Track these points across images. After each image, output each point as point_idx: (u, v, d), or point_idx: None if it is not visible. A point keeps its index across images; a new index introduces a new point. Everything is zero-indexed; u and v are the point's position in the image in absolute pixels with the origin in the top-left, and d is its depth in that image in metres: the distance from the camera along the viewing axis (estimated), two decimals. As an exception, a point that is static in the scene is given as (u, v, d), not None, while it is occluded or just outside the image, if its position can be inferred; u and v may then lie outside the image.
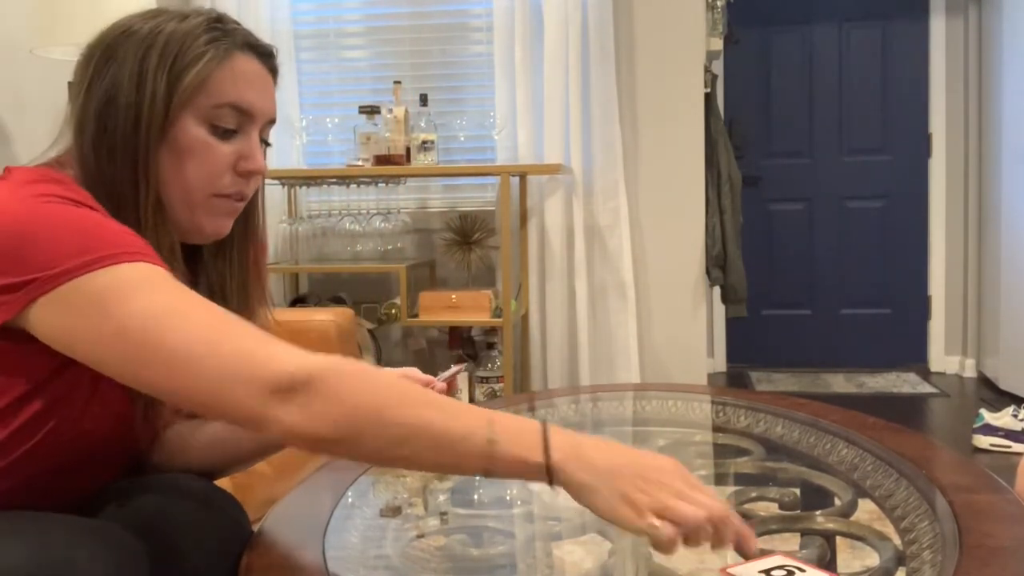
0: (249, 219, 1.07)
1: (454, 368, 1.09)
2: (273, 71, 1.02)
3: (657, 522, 0.75)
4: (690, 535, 0.76)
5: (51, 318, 0.81)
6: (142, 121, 0.91)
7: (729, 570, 0.82)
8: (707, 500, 0.77)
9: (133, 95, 0.91)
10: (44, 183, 0.85)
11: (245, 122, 0.97)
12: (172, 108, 0.91)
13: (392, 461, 0.83)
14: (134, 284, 0.81)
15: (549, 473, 0.78)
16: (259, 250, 1.10)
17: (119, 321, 0.79)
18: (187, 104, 0.92)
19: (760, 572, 0.81)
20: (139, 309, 0.80)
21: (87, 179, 0.91)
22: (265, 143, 1.03)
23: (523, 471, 0.79)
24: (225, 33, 0.95)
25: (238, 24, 0.99)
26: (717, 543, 0.77)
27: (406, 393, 0.81)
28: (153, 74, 0.91)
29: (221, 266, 1.06)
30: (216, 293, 1.05)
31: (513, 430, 0.79)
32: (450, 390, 1.08)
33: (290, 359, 0.79)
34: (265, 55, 1.00)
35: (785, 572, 0.80)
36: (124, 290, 0.80)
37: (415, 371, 1.09)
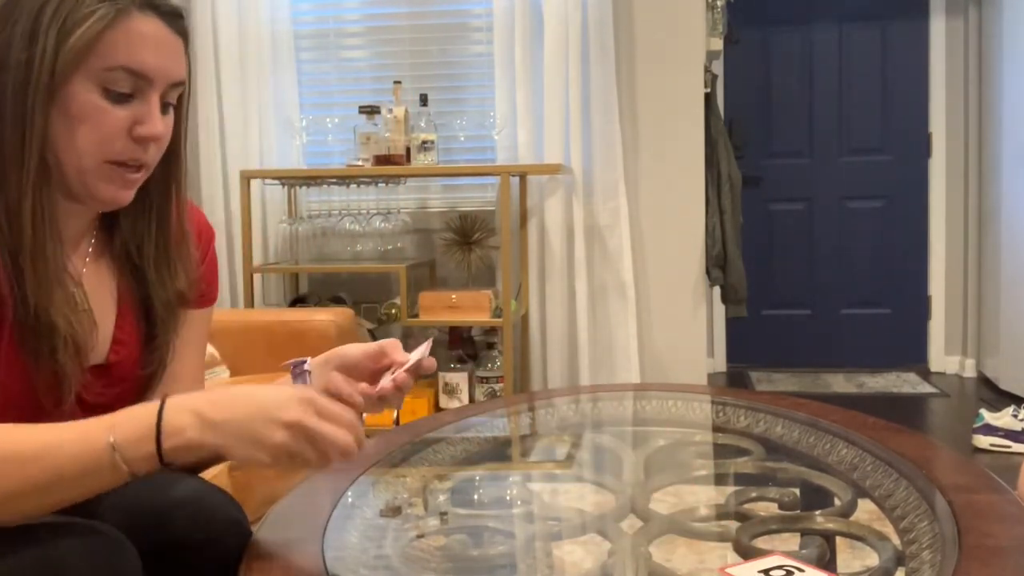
0: (170, 181, 1.02)
1: (421, 348, 1.05)
2: (181, 32, 0.96)
3: (291, 467, 0.84)
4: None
5: None
6: (31, 82, 0.87)
7: (728, 570, 0.82)
8: (332, 434, 0.83)
9: (24, 54, 0.87)
10: None
11: (143, 85, 0.91)
12: (59, 68, 0.88)
13: (46, 512, 0.83)
14: None
15: (162, 457, 0.81)
16: (187, 220, 1.06)
17: None
18: (77, 65, 0.88)
19: (759, 572, 0.81)
20: None
21: None
22: (171, 107, 0.97)
23: (154, 461, 0.81)
24: None
25: None
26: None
27: (13, 456, 0.79)
28: (44, 33, 0.87)
29: (139, 228, 1.02)
30: (131, 254, 1.03)
31: (129, 427, 0.81)
32: (419, 371, 1.05)
33: None
34: (168, 14, 0.94)
35: (784, 572, 0.80)
36: None
37: (394, 345, 1.05)
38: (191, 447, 0.82)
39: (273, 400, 0.83)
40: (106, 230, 1.03)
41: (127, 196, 0.96)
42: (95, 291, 0.99)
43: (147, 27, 0.91)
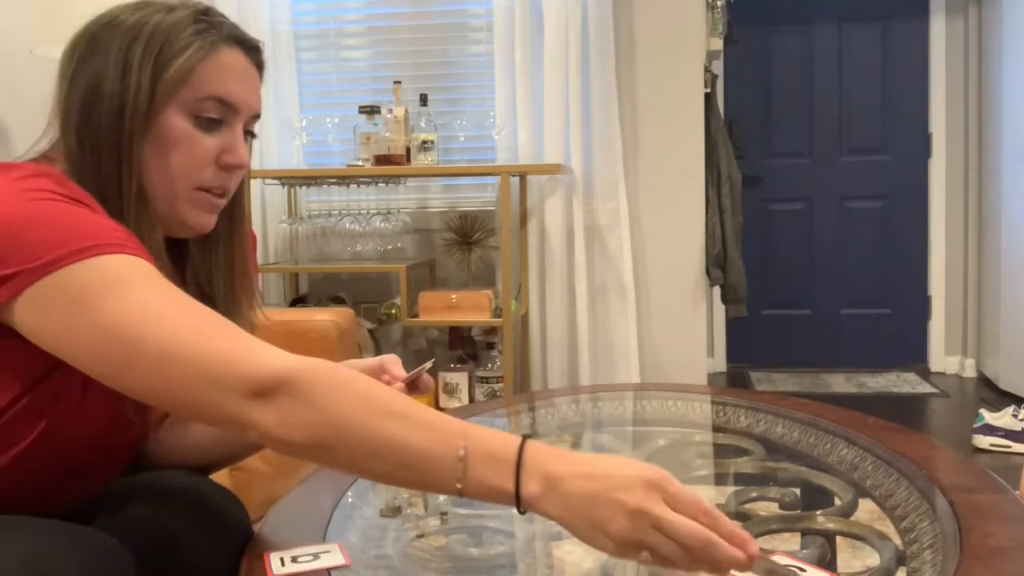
0: (235, 215, 1.06)
1: (420, 368, 1.07)
2: (259, 66, 1.02)
3: (647, 557, 0.72)
4: (680, 565, 0.72)
5: (35, 314, 0.80)
6: (126, 112, 0.90)
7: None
8: (685, 526, 0.71)
9: (117, 85, 0.90)
10: (33, 178, 0.85)
11: (229, 115, 0.96)
12: (156, 99, 0.91)
13: (364, 474, 0.81)
14: (114, 279, 0.80)
15: (519, 505, 0.76)
16: (247, 246, 1.09)
17: (98, 320, 0.79)
18: (171, 96, 0.92)
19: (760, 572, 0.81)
20: (118, 308, 0.79)
21: (73, 170, 0.91)
22: (250, 135, 1.02)
23: (494, 498, 0.76)
24: (211, 26, 0.95)
25: (224, 17, 0.98)
26: (712, 570, 0.72)
27: (384, 403, 0.78)
28: (138, 65, 0.90)
29: (208, 260, 1.05)
30: (202, 287, 1.05)
31: (486, 453, 0.76)
32: (415, 388, 1.06)
33: (269, 360, 0.78)
34: (251, 49, 1.00)
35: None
36: (104, 286, 0.79)
37: (394, 360, 1.07)
38: (534, 507, 0.75)
39: (619, 478, 0.74)
40: (178, 263, 1.05)
41: (212, 221, 0.99)
42: None
43: (234, 60, 0.97)
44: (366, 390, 0.79)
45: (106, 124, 0.90)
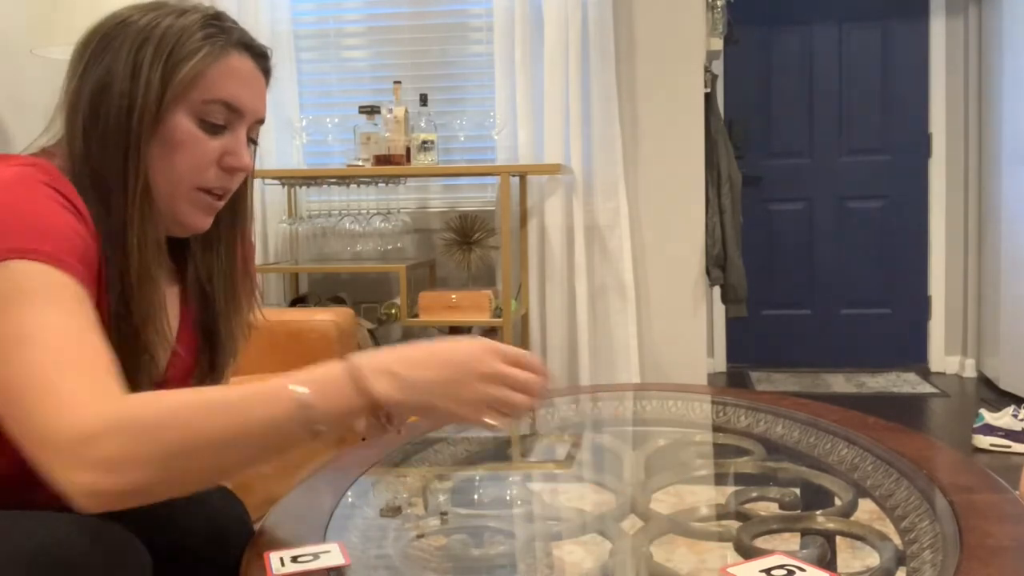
0: (237, 216, 1.07)
1: None
2: (266, 72, 1.03)
3: (493, 418, 0.84)
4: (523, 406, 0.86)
5: None
6: (135, 111, 0.91)
7: (729, 569, 0.82)
8: (525, 377, 0.86)
9: (127, 85, 0.91)
10: (18, 168, 0.86)
11: (234, 119, 0.98)
12: (165, 101, 0.92)
13: (224, 472, 0.81)
14: (18, 291, 0.79)
15: (376, 409, 0.80)
16: (248, 248, 1.10)
17: None
18: (180, 98, 0.93)
19: (761, 572, 0.81)
20: (6, 319, 0.78)
21: (74, 166, 0.91)
22: (253, 142, 1.04)
23: (353, 415, 0.80)
24: (222, 30, 0.96)
25: (235, 23, 0.99)
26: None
27: (203, 404, 0.77)
28: (148, 66, 0.91)
29: (208, 260, 1.06)
30: (203, 286, 1.06)
31: (321, 385, 0.80)
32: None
33: (85, 416, 0.74)
34: (259, 55, 1.01)
35: (785, 572, 0.80)
36: (6, 295, 0.78)
37: None
38: (392, 405, 0.81)
39: (464, 354, 0.85)
40: (180, 261, 1.06)
41: (208, 222, 1.00)
42: (169, 312, 1.01)
43: (243, 65, 0.98)
44: (182, 401, 0.78)
45: (114, 122, 0.91)
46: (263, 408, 0.78)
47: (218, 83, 0.95)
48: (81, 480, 0.72)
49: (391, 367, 0.82)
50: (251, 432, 0.77)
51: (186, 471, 0.77)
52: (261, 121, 1.03)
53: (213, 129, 0.96)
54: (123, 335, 0.91)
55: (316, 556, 0.90)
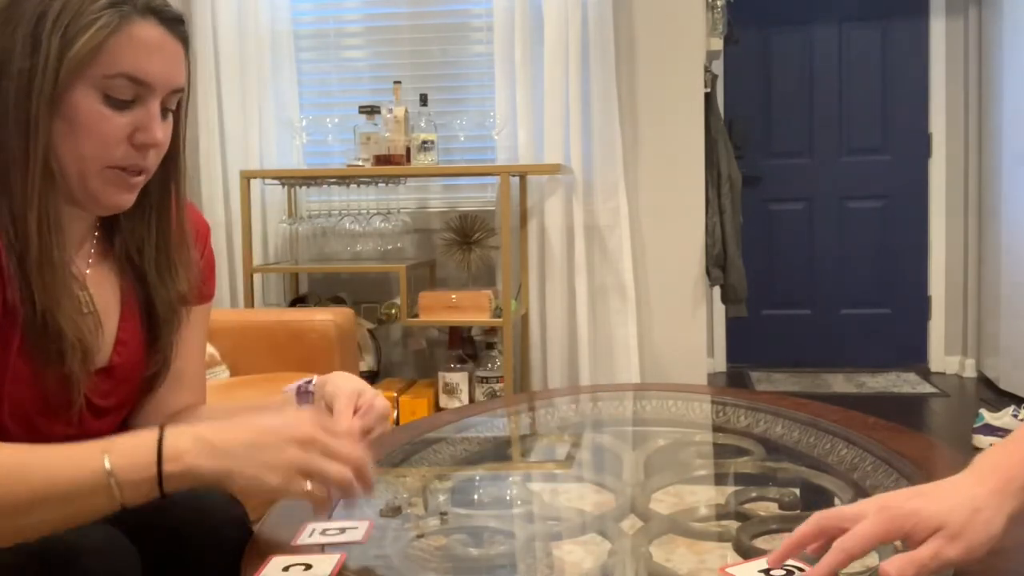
0: (168, 183, 1.02)
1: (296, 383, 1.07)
2: (182, 38, 0.96)
3: (307, 484, 0.79)
4: (343, 491, 0.82)
5: None
6: (33, 88, 0.87)
7: (728, 570, 0.82)
8: (348, 451, 0.81)
9: (26, 61, 0.87)
10: None
11: (143, 92, 0.92)
12: (62, 76, 0.87)
13: (20, 535, 0.79)
14: None
15: (162, 483, 0.78)
16: (187, 221, 1.06)
17: None
18: (79, 72, 0.88)
19: (760, 572, 0.81)
20: None
21: None
22: (170, 112, 0.98)
23: (150, 487, 0.78)
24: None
25: None
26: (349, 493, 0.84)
27: (12, 465, 0.77)
28: (47, 40, 0.87)
29: (138, 231, 1.02)
30: (132, 256, 1.03)
31: (128, 451, 0.78)
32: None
33: None
34: (170, 20, 0.94)
35: (784, 572, 0.80)
36: None
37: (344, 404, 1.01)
38: (191, 473, 0.80)
39: (281, 422, 0.82)
40: (106, 232, 1.03)
41: (129, 200, 0.96)
42: (99, 293, 0.99)
43: (149, 33, 0.91)
44: None
45: (13, 101, 0.87)
46: (66, 472, 0.77)
47: (119, 55, 0.89)
48: None
49: (202, 432, 0.80)
50: (51, 497, 0.76)
51: None
52: (179, 90, 0.96)
53: (120, 105, 0.90)
54: (33, 324, 0.89)
55: (342, 531, 0.93)
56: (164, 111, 0.95)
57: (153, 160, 0.96)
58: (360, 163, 3.06)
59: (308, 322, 2.49)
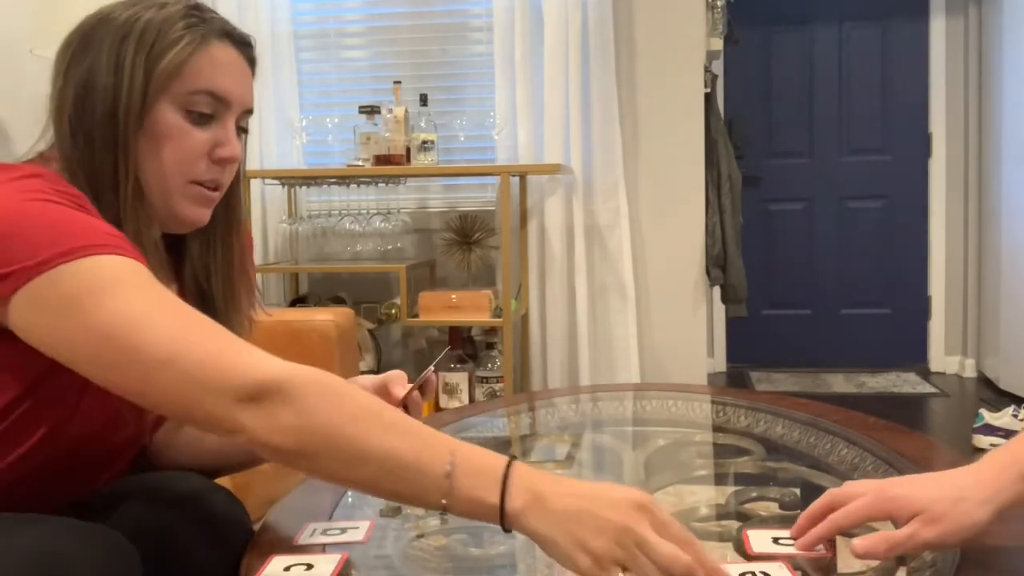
0: (231, 212, 1.06)
1: (422, 376, 1.07)
2: (251, 61, 1.01)
3: (621, 574, 0.73)
4: None
5: (29, 315, 0.80)
6: (120, 107, 0.90)
7: (747, 531, 0.89)
8: (670, 551, 0.72)
9: (111, 81, 0.90)
10: (27, 179, 0.85)
11: (221, 109, 0.96)
12: (149, 94, 0.91)
13: (350, 483, 0.81)
14: (107, 281, 0.80)
15: (503, 520, 0.76)
16: (244, 243, 1.09)
17: (90, 321, 0.79)
18: (163, 90, 0.92)
19: (772, 538, 0.87)
20: (109, 310, 0.79)
21: (68, 167, 0.91)
22: (242, 131, 1.02)
23: (479, 513, 0.76)
24: (202, 20, 0.95)
25: (215, 12, 0.99)
26: None
27: (373, 414, 0.78)
28: (131, 60, 0.91)
29: (206, 257, 1.05)
30: (201, 284, 1.05)
31: (474, 468, 0.77)
32: (424, 392, 1.06)
33: (259, 365, 0.78)
34: (242, 44, 0.99)
35: (791, 541, 0.86)
36: (97, 287, 0.79)
37: (399, 376, 1.06)
38: (516, 525, 0.76)
39: (607, 498, 0.75)
40: (176, 259, 1.05)
41: (206, 215, 0.99)
42: None
43: (225, 54, 0.96)
44: (355, 399, 0.79)
45: (100, 120, 0.91)
46: (419, 451, 0.77)
47: (201, 73, 0.94)
48: (251, 427, 0.77)
49: (541, 488, 0.76)
50: (395, 465, 0.77)
51: (328, 461, 0.78)
52: (249, 111, 1.01)
53: (200, 120, 0.95)
54: None
55: (343, 530, 0.94)
56: (237, 130, 1.00)
57: (228, 176, 1.00)
58: (360, 163, 3.06)
59: (308, 322, 2.49)
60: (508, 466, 0.77)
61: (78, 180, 0.90)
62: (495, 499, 0.75)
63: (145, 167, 0.93)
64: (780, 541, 0.86)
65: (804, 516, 0.86)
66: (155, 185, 0.94)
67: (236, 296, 1.07)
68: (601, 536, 0.73)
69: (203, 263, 1.05)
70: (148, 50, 0.91)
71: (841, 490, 0.84)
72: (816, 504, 0.85)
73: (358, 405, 0.79)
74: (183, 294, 1.05)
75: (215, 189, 0.99)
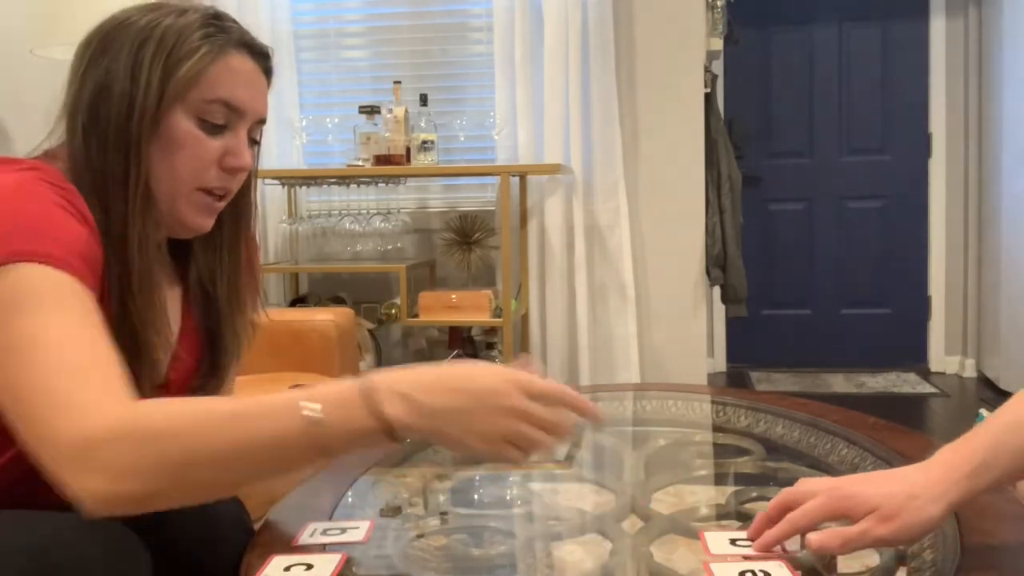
0: (239, 217, 1.07)
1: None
2: (267, 72, 1.02)
3: (512, 451, 0.80)
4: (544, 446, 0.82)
5: None
6: (135, 112, 0.91)
7: (705, 534, 0.89)
8: (550, 416, 0.80)
9: (127, 85, 0.91)
10: (20, 172, 0.86)
11: (234, 119, 0.97)
12: (165, 100, 0.92)
13: (231, 485, 0.81)
14: (25, 294, 0.78)
15: (391, 435, 0.77)
16: (251, 247, 1.10)
17: None
18: (179, 97, 0.93)
19: (729, 540, 0.86)
20: (13, 325, 0.77)
21: (76, 169, 0.91)
22: (255, 142, 1.03)
23: (366, 440, 0.78)
24: (221, 30, 0.96)
25: (235, 22, 0.99)
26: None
27: (210, 417, 0.76)
28: (148, 66, 0.91)
29: (211, 261, 1.06)
30: (206, 287, 1.05)
31: (334, 404, 0.77)
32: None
33: (92, 422, 0.73)
34: (260, 55, 1.00)
35: (749, 543, 0.85)
36: (12, 298, 0.78)
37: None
38: (403, 429, 0.78)
39: (486, 385, 0.80)
40: (182, 262, 1.06)
41: (209, 223, 1.00)
42: (171, 314, 1.01)
43: (243, 64, 0.97)
44: (187, 410, 0.77)
45: (115, 123, 0.91)
46: (272, 423, 0.76)
47: (218, 82, 0.94)
48: (88, 486, 0.72)
49: (406, 390, 0.78)
50: (258, 447, 0.76)
51: (192, 482, 0.76)
52: (262, 121, 1.03)
53: (213, 129, 0.96)
54: (124, 338, 0.90)
55: (343, 530, 0.94)
56: (249, 140, 1.01)
57: (237, 184, 1.01)
58: (360, 163, 3.06)
59: (308, 322, 2.49)
60: (364, 386, 0.78)
61: (82, 180, 0.90)
62: (372, 421, 0.77)
63: (156, 172, 0.93)
64: (738, 543, 0.86)
65: (760, 517, 0.86)
66: (164, 190, 0.94)
67: (241, 300, 1.07)
68: (486, 418, 0.79)
69: (208, 268, 1.05)
70: (166, 57, 0.92)
71: (795, 489, 0.84)
72: (772, 504, 0.85)
73: (194, 415, 0.76)
74: (187, 297, 1.05)
75: (222, 197, 0.99)
